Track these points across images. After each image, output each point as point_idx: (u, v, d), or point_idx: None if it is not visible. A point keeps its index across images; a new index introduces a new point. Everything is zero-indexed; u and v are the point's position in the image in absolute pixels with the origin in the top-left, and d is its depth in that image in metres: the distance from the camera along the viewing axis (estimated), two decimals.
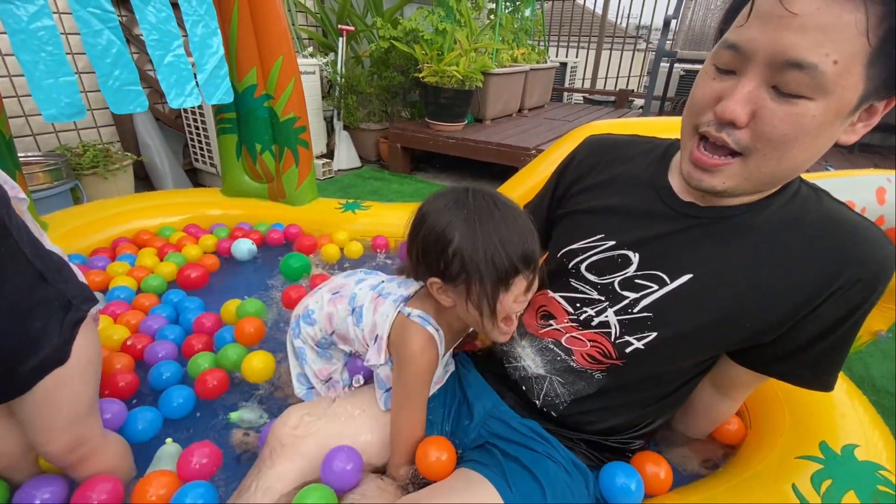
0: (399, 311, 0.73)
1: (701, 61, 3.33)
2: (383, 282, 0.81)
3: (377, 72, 3.18)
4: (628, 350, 0.66)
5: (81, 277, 0.70)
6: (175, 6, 1.37)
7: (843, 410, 0.84)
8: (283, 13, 1.59)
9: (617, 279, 0.67)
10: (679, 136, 0.63)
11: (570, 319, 0.71)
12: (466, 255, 0.62)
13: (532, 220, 0.66)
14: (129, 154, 2.22)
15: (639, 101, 4.25)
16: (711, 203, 0.62)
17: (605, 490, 0.73)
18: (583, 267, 0.71)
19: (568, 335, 0.71)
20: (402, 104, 3.45)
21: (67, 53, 1.23)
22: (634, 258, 0.66)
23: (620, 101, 4.25)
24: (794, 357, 0.62)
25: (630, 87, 4.43)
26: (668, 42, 3.26)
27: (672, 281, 0.63)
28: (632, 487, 0.71)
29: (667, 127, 1.41)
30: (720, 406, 0.77)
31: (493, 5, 3.41)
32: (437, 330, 0.71)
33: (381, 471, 0.79)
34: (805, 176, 0.68)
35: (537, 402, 0.75)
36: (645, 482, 0.74)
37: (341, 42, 2.96)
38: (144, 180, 2.45)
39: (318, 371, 0.85)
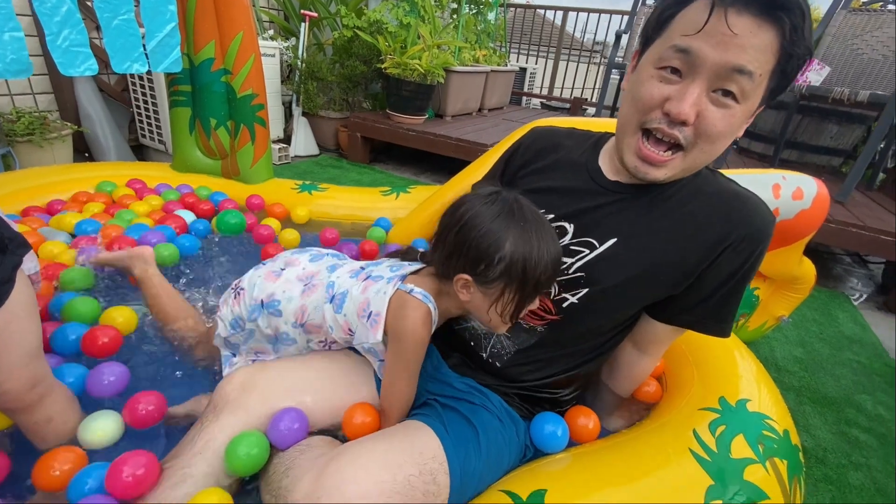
0: (398, 288, 0.74)
1: None
2: (362, 268, 0.83)
3: (339, 60, 3.18)
4: (565, 305, 0.75)
5: (14, 227, 0.70)
6: None
7: (741, 373, 0.97)
8: None
9: None
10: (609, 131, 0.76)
11: None
12: (516, 265, 0.64)
13: None
14: (69, 124, 2.10)
15: (591, 110, 4.49)
16: (633, 181, 0.72)
17: (535, 436, 0.81)
18: None
19: None
20: (363, 94, 3.46)
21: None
22: (570, 228, 0.76)
23: (574, 108, 4.46)
24: (698, 307, 0.74)
25: (585, 97, 4.66)
26: (619, 56, 3.47)
27: (600, 245, 0.73)
28: (558, 434, 0.80)
29: (598, 125, 1.53)
30: (640, 363, 0.87)
31: (456, 6, 3.49)
32: (435, 309, 0.74)
33: (323, 433, 0.82)
34: (731, 173, 0.86)
35: (484, 354, 0.82)
36: (576, 432, 0.84)
37: (303, 27, 2.94)
38: (85, 154, 2.32)
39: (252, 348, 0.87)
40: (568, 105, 4.62)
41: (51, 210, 1.40)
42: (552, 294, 0.76)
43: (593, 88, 5.32)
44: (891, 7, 2.63)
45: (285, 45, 3.04)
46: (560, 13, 4.61)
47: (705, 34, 0.56)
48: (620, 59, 3.42)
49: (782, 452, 0.81)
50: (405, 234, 1.57)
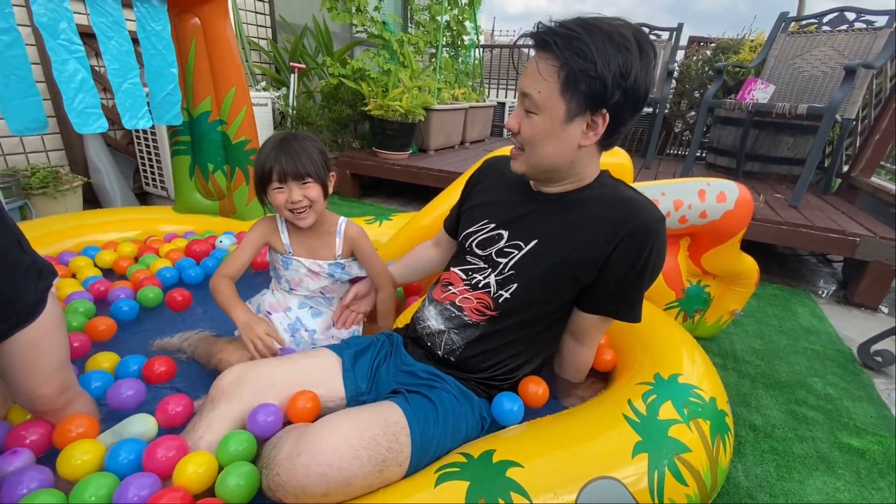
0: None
1: None
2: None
3: (327, 105, 3.43)
4: (501, 300, 0.91)
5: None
6: (136, 41, 1.56)
7: (677, 353, 1.10)
8: (236, 49, 1.80)
9: (493, 250, 0.94)
10: None
11: (464, 284, 0.96)
12: None
13: (449, 220, 1.14)
14: (79, 176, 2.30)
15: None
16: (548, 191, 0.91)
17: (496, 412, 0.95)
18: (474, 244, 0.98)
19: (461, 297, 0.96)
20: (352, 135, 3.70)
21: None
22: (505, 234, 0.94)
23: None
24: (609, 297, 0.89)
25: None
26: None
27: (526, 245, 0.90)
28: (514, 409, 0.94)
29: None
30: (579, 352, 1.01)
31: (434, 50, 3.79)
32: None
33: None
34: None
35: (439, 352, 0.96)
36: (527, 398, 0.98)
37: (293, 78, 3.20)
38: (93, 203, 2.51)
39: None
40: None
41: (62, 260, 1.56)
42: (491, 292, 0.91)
43: None
44: (825, 28, 2.90)
45: (277, 94, 3.30)
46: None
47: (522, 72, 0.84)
48: None
49: (706, 415, 0.93)
50: (385, 256, 1.72)
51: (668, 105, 3.98)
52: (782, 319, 1.95)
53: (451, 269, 1.01)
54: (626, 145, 4.45)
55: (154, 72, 1.63)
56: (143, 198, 2.75)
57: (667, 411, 0.90)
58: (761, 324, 1.90)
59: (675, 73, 3.76)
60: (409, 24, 4.64)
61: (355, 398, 0.95)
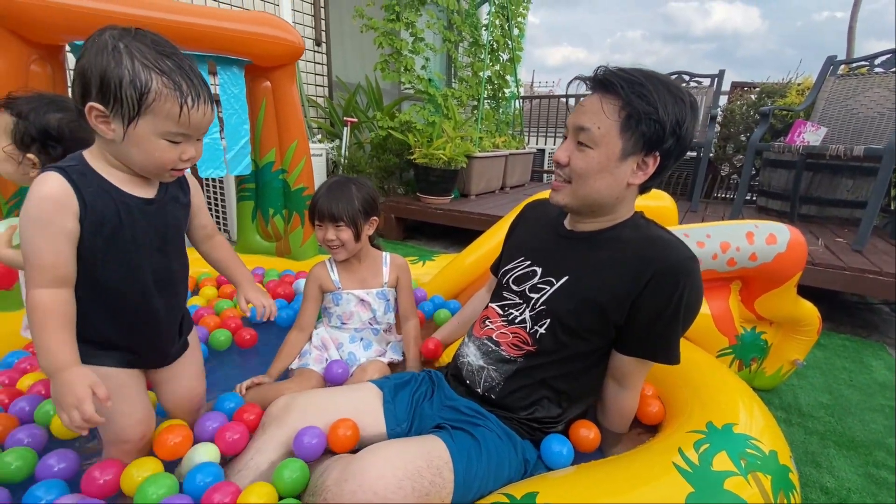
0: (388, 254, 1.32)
1: None
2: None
3: (376, 155, 3.66)
4: (536, 336, 0.93)
5: None
6: (217, 102, 1.77)
7: (732, 400, 1.05)
8: (299, 108, 2.01)
9: (528, 286, 0.98)
10: None
11: (501, 320, 0.99)
12: None
13: (495, 264, 1.19)
14: None
15: None
16: (580, 229, 0.94)
17: (544, 455, 0.93)
18: (510, 280, 1.02)
19: (498, 332, 0.99)
20: (397, 182, 3.90)
21: None
22: (538, 270, 0.98)
23: None
24: (644, 338, 0.89)
25: None
26: None
27: (557, 281, 0.93)
28: (563, 452, 0.93)
29: None
30: (621, 396, 0.98)
31: (476, 102, 4.00)
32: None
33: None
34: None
35: (479, 389, 0.98)
36: (578, 442, 0.97)
37: (346, 131, 3.46)
38: None
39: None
40: None
41: None
42: (527, 328, 0.94)
43: None
44: (878, 70, 2.83)
45: (331, 145, 3.57)
46: (573, 99, 5.10)
47: (574, 109, 0.89)
48: None
49: (767, 468, 0.87)
50: (429, 292, 1.78)
51: (712, 149, 3.93)
52: (853, 373, 1.80)
53: (490, 304, 1.06)
54: (671, 189, 4.39)
55: (231, 128, 1.84)
56: None
57: (721, 462, 0.86)
58: (829, 377, 1.76)
59: (719, 118, 3.75)
60: (453, 80, 4.94)
61: (395, 431, 0.98)
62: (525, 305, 0.96)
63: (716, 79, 3.62)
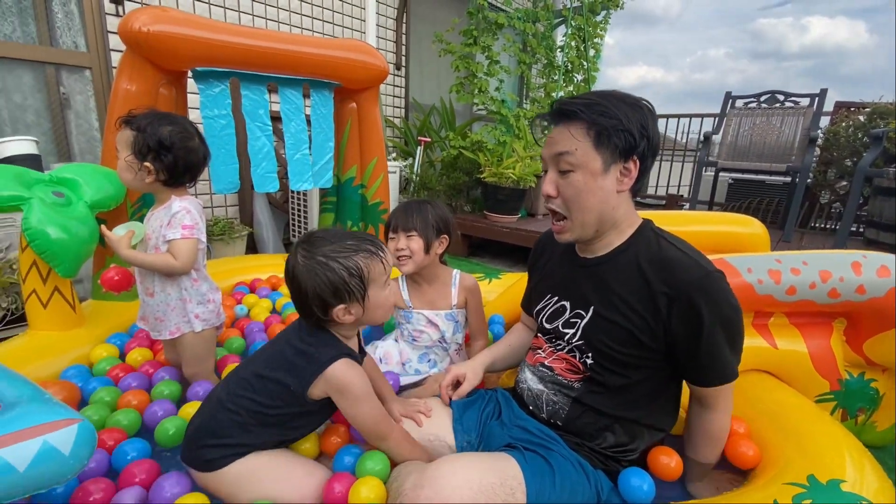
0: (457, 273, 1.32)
1: (740, 170, 3.58)
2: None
3: (446, 173, 3.77)
4: (588, 364, 0.91)
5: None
6: (309, 122, 1.94)
7: (842, 458, 0.92)
8: (381, 129, 2.13)
9: (560, 322, 0.97)
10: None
11: (548, 347, 1.00)
12: None
13: (524, 301, 1.18)
14: (246, 226, 2.81)
15: (687, 205, 4.49)
16: (593, 254, 0.94)
17: (622, 489, 0.89)
18: (544, 320, 1.02)
19: (550, 358, 0.99)
20: (465, 200, 3.97)
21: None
22: (567, 304, 0.97)
23: (670, 204, 4.51)
24: (696, 367, 0.86)
25: (681, 193, 4.71)
26: (712, 154, 3.59)
27: (586, 314, 0.92)
28: (644, 487, 0.88)
29: (689, 218, 1.66)
30: (706, 418, 0.92)
31: (548, 123, 3.99)
32: None
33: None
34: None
35: (543, 415, 0.97)
36: (657, 469, 0.93)
37: (419, 150, 3.60)
38: (251, 249, 3.01)
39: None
40: (664, 201, 4.69)
41: (252, 286, 1.94)
42: (576, 357, 0.92)
43: (689, 185, 5.33)
44: None
45: (404, 164, 3.72)
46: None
47: (543, 144, 0.92)
48: (713, 158, 3.53)
49: None
50: (494, 310, 1.78)
51: (810, 174, 3.59)
52: None
53: (538, 335, 1.07)
54: (760, 215, 4.05)
55: (318, 145, 1.99)
56: (289, 247, 3.22)
57: None
58: None
59: (819, 140, 3.43)
60: (524, 101, 4.97)
61: (463, 447, 0.98)
62: (563, 341, 0.96)
63: (816, 98, 3.33)
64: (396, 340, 1.36)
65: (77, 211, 1.31)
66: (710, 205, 3.98)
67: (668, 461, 0.92)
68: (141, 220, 1.27)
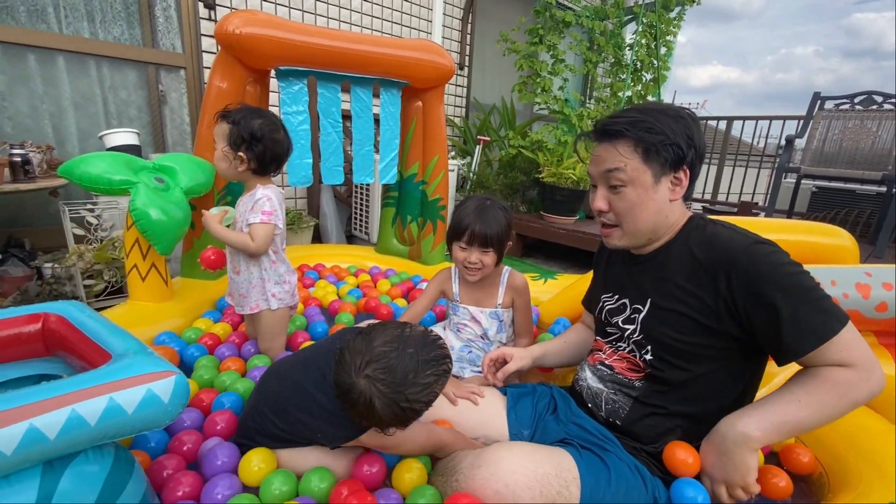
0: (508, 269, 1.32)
1: (826, 177, 3.29)
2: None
3: (503, 172, 3.77)
4: (647, 360, 0.91)
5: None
6: (376, 121, 2.02)
7: None
8: (444, 127, 2.18)
9: (621, 319, 0.97)
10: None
11: (608, 349, 1.00)
12: None
13: (586, 298, 1.18)
14: (313, 218, 2.98)
15: (763, 215, 4.18)
16: (645, 251, 0.95)
17: (676, 500, 0.85)
18: (605, 315, 1.02)
19: (609, 358, 0.99)
20: (521, 200, 3.94)
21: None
22: (627, 301, 0.97)
23: (743, 212, 4.22)
24: (786, 337, 0.76)
25: (755, 201, 4.39)
26: (793, 160, 3.32)
27: (644, 308, 0.92)
28: (698, 500, 0.82)
29: (762, 225, 1.57)
30: (840, 374, 0.76)
31: None
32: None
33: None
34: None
35: (602, 413, 0.96)
36: (674, 466, 0.87)
37: (478, 149, 3.63)
38: (316, 239, 3.18)
39: None
40: (735, 209, 4.39)
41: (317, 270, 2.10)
42: (636, 355, 0.92)
43: (766, 193, 4.95)
44: None
45: (462, 162, 3.77)
46: (723, 122, 4.63)
47: (589, 162, 0.94)
48: (795, 164, 3.27)
49: None
50: (549, 314, 1.77)
51: None
52: None
53: (597, 337, 1.07)
54: (850, 228, 3.70)
55: (385, 143, 2.07)
56: (350, 239, 3.37)
57: None
58: None
59: None
60: (588, 100, 4.85)
61: (517, 437, 1.00)
62: (623, 337, 0.96)
63: None
64: (445, 329, 1.40)
65: (174, 195, 1.46)
66: (790, 214, 3.69)
67: (685, 457, 0.86)
68: (228, 205, 1.40)
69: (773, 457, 1.07)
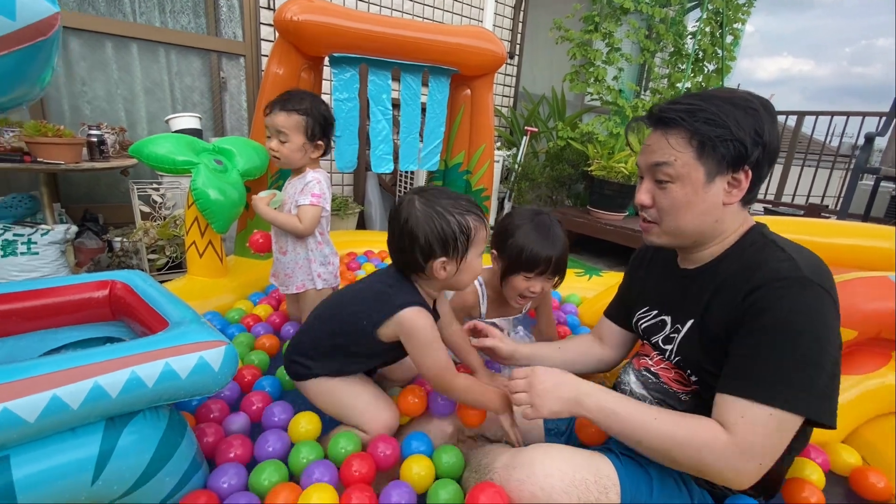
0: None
1: None
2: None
3: (550, 164, 3.67)
4: (693, 380, 0.84)
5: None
6: (423, 110, 2.02)
7: None
8: (492, 116, 2.15)
9: (660, 337, 0.90)
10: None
11: (656, 355, 0.93)
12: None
13: (613, 308, 1.09)
14: (359, 205, 3.03)
15: (835, 219, 3.85)
16: (695, 264, 0.86)
17: None
18: (642, 331, 0.96)
19: (658, 366, 0.92)
20: (566, 194, 3.84)
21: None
22: (667, 319, 0.89)
23: (810, 216, 3.90)
24: (738, 370, 0.72)
25: (825, 203, 4.05)
26: (873, 160, 3.02)
27: (683, 328, 0.84)
28: None
29: (832, 228, 1.44)
30: (713, 430, 0.71)
31: None
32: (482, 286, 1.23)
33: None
34: None
35: None
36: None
37: (525, 140, 3.56)
38: (360, 225, 3.25)
39: None
40: (802, 211, 4.07)
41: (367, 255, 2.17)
42: (686, 371, 0.85)
43: (837, 195, 4.55)
44: None
45: (507, 153, 3.71)
46: (793, 116, 4.29)
47: (640, 152, 0.85)
48: (874, 165, 2.98)
49: None
50: (592, 311, 1.71)
51: None
52: None
53: (644, 341, 1.00)
54: None
55: (430, 130, 2.07)
56: None
57: None
58: None
59: None
60: (643, 92, 4.63)
61: (552, 430, 0.98)
62: (662, 358, 0.89)
63: None
64: None
65: (231, 177, 1.53)
66: (865, 218, 3.37)
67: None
68: (279, 189, 1.45)
69: (839, 479, 1.00)
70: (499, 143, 3.96)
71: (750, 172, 0.76)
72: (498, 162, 3.36)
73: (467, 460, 0.93)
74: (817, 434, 0.99)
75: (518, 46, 4.15)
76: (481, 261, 0.94)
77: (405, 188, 3.18)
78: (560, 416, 0.80)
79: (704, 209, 0.78)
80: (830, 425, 0.68)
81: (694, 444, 0.69)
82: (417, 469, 0.87)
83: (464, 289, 0.95)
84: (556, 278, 1.15)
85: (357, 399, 0.97)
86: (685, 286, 0.87)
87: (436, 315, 1.00)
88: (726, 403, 0.70)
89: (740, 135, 0.73)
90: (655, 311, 0.92)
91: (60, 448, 0.62)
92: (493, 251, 1.17)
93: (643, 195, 0.83)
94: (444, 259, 0.87)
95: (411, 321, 0.88)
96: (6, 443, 0.58)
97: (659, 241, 0.85)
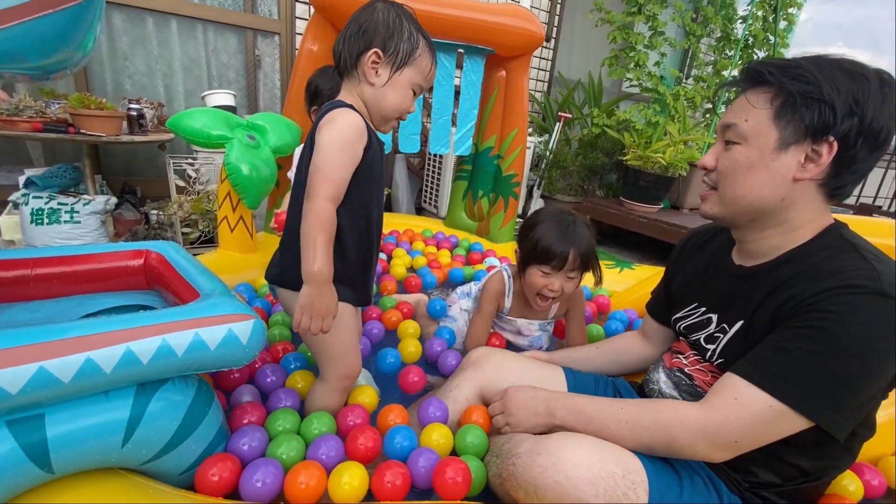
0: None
1: None
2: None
3: (583, 152, 3.57)
4: None
5: None
6: (456, 93, 1.97)
7: None
8: (527, 100, 2.08)
9: (702, 336, 0.85)
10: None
11: (692, 355, 0.88)
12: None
13: (653, 304, 1.04)
14: (386, 187, 3.03)
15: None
16: (750, 261, 0.80)
17: None
18: (682, 328, 0.91)
19: (692, 367, 0.87)
20: (598, 183, 3.73)
21: None
22: (714, 317, 0.83)
23: (860, 215, 3.68)
24: (761, 354, 0.70)
25: (877, 205, 3.80)
26: None
27: (730, 328, 0.78)
28: None
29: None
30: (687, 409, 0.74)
31: (711, 105, 3.50)
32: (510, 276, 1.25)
33: None
34: None
35: None
36: None
37: (558, 126, 3.46)
38: (387, 208, 3.25)
39: None
40: (850, 212, 3.84)
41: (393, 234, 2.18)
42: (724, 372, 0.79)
43: (892, 196, 4.26)
44: None
45: (539, 140, 3.62)
46: None
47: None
48: None
49: None
50: (621, 306, 1.66)
51: None
52: None
53: (680, 338, 0.95)
54: None
55: (463, 113, 2.03)
56: (419, 211, 3.40)
57: None
58: None
59: None
60: (686, 79, 4.42)
61: None
62: (701, 357, 0.84)
63: None
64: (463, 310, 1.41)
65: (263, 153, 1.54)
66: None
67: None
68: None
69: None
70: (530, 130, 3.87)
71: (835, 146, 0.66)
72: (529, 148, 3.29)
73: (490, 444, 0.91)
74: (868, 449, 0.92)
75: (555, 29, 4.01)
76: (410, 97, 0.86)
77: (433, 172, 3.15)
78: (539, 430, 0.82)
79: (768, 179, 0.70)
80: (838, 438, 0.65)
81: (659, 423, 0.72)
82: (437, 436, 0.90)
83: (387, 115, 0.86)
84: (578, 276, 1.12)
85: (351, 339, 0.93)
86: (738, 285, 0.80)
87: (383, 150, 0.91)
88: (729, 381, 0.69)
89: (832, 97, 0.64)
90: (702, 308, 0.86)
91: (93, 410, 0.63)
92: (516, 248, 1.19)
93: (707, 157, 0.78)
94: (377, 51, 0.80)
95: (333, 114, 0.79)
96: (42, 401, 0.59)
97: (712, 212, 0.79)
